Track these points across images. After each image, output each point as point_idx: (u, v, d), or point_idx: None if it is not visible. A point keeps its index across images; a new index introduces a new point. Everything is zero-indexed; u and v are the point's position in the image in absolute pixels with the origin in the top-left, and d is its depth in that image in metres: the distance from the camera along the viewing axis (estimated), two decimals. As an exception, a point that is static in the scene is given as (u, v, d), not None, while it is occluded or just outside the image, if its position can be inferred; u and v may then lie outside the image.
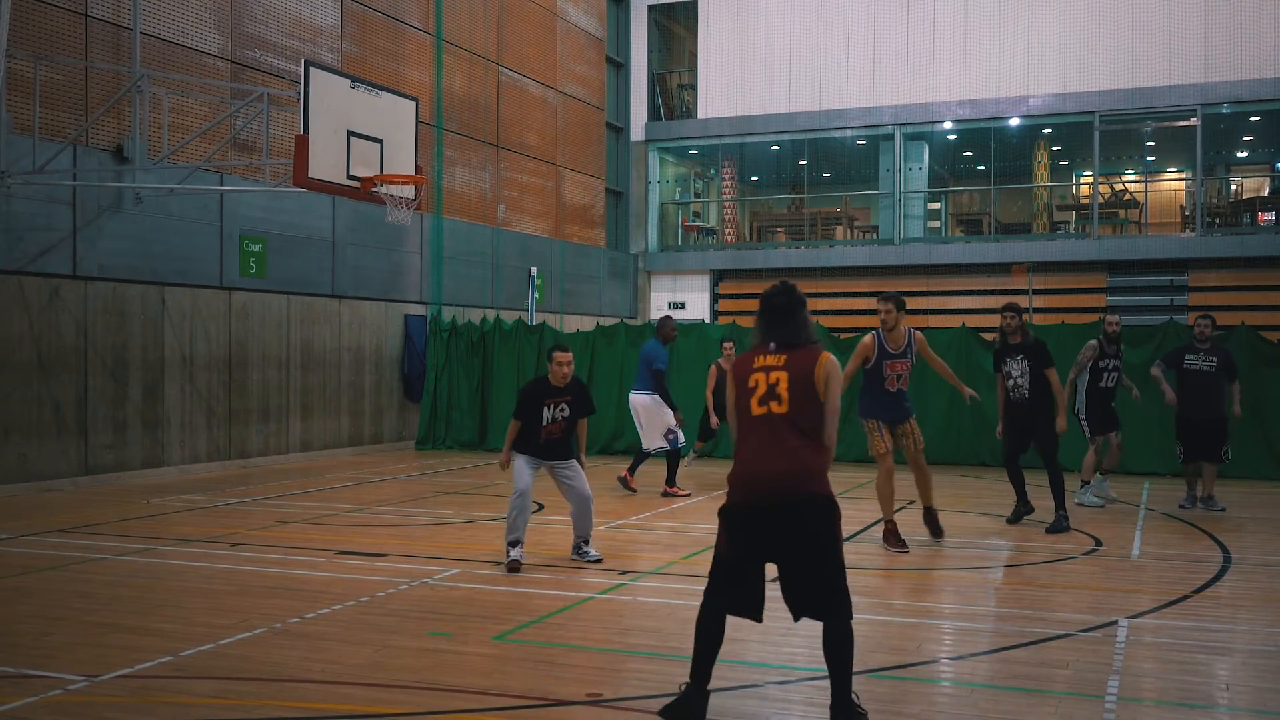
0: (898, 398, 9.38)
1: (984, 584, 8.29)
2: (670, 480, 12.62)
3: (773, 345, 5.02)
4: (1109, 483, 12.22)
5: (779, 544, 4.88)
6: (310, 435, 16.38)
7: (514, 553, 8.31)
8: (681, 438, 12.68)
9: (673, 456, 12.64)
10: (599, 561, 8.52)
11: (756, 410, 4.93)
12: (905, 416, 9.45)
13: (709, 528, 10.11)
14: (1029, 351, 10.14)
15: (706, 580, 5.06)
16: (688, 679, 4.97)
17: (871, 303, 22.99)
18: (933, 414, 16.03)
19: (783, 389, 4.91)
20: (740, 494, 4.94)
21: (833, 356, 5.01)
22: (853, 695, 4.80)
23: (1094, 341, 11.80)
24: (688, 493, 12.61)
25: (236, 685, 5.53)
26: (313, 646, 6.18)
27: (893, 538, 9.16)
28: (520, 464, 8.46)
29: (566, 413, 8.50)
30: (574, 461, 8.60)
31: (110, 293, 13.39)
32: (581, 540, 8.64)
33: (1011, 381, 10.22)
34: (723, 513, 5.01)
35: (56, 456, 12.71)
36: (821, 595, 4.87)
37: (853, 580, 8.12)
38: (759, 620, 5.00)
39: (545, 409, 8.46)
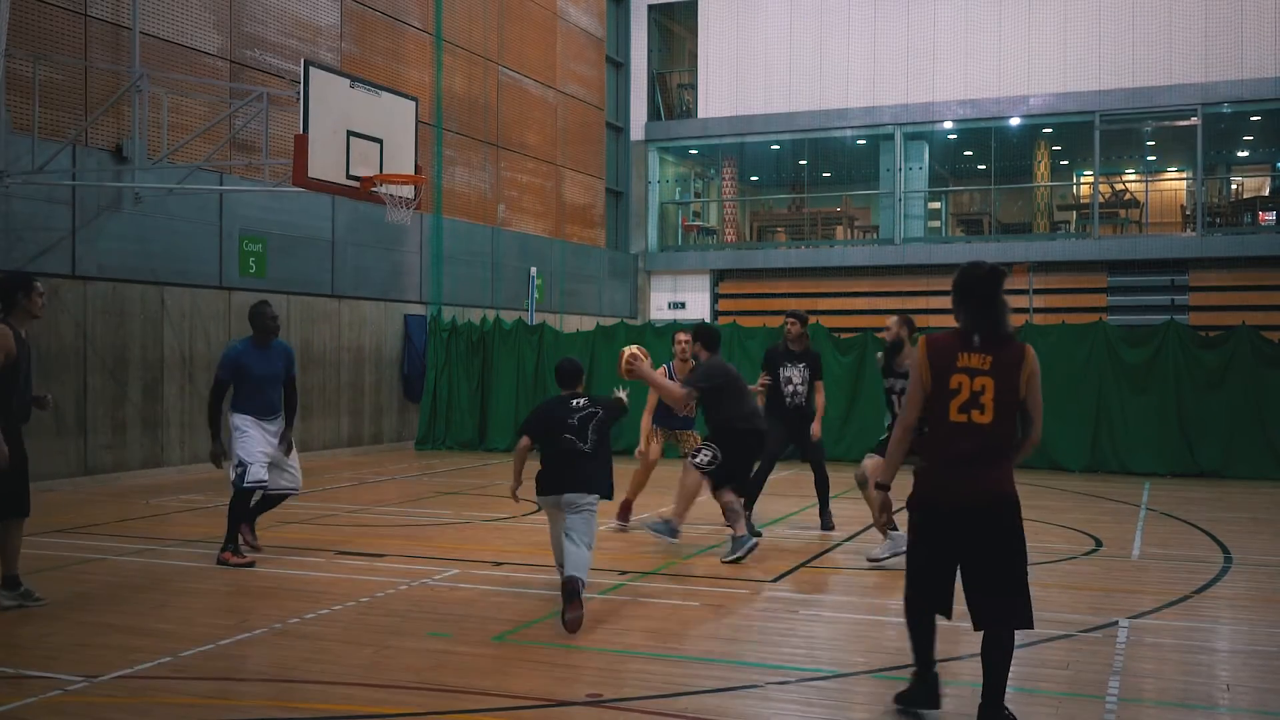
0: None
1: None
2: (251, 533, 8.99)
3: (976, 340, 4.69)
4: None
5: (973, 546, 4.71)
6: (310, 435, 16.35)
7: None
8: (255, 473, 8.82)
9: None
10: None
11: (955, 417, 4.66)
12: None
13: (709, 529, 10.12)
14: (810, 360, 10.19)
15: (907, 579, 4.98)
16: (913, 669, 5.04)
17: (872, 302, 23.37)
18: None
19: (988, 398, 4.63)
20: (938, 499, 4.74)
21: (1033, 351, 4.76)
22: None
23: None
24: (249, 562, 8.44)
25: (236, 685, 5.52)
26: (313, 646, 6.16)
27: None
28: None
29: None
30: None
31: (109, 293, 13.37)
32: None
33: (791, 388, 10.13)
34: (916, 513, 4.84)
35: (56, 456, 12.69)
36: (1010, 596, 4.70)
37: (853, 579, 8.20)
38: (949, 618, 4.92)
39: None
